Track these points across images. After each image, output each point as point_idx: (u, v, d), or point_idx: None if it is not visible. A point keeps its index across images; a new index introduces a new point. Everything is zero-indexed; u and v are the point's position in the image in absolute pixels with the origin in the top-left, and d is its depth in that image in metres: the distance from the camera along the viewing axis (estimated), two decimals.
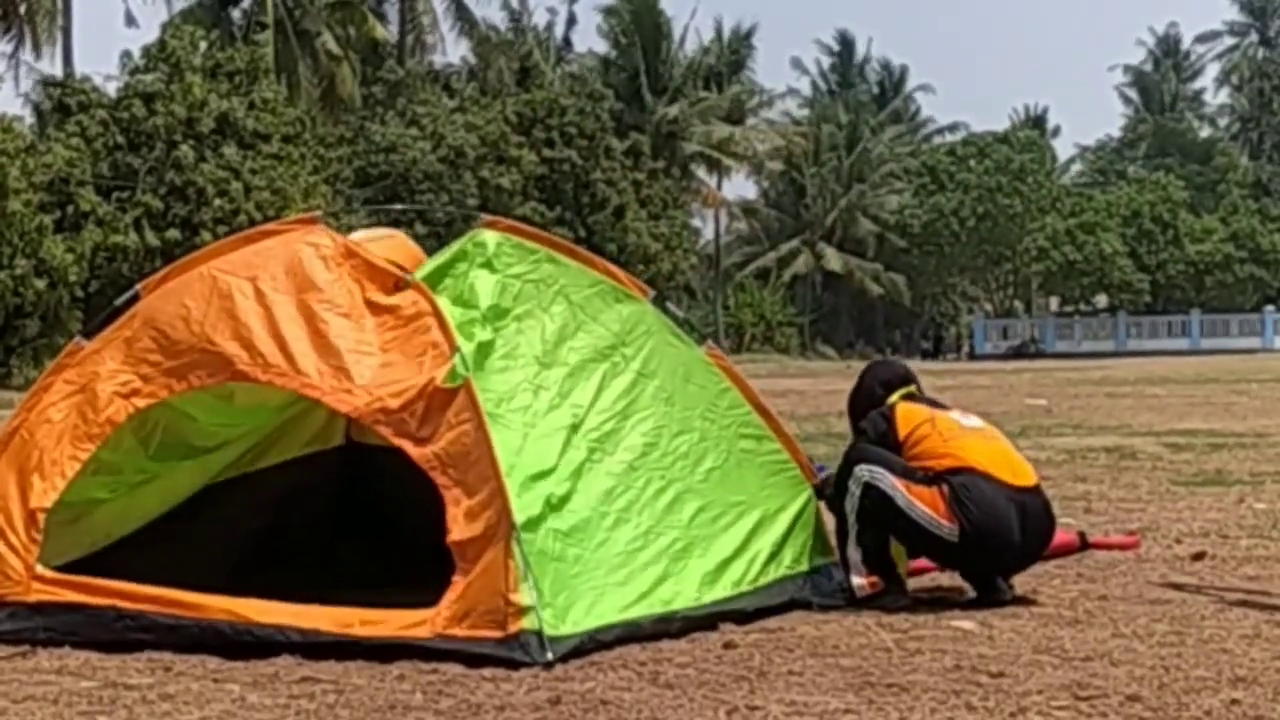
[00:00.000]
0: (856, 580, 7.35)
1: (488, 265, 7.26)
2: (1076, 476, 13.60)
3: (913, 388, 7.77)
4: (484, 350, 6.84)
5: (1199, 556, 8.78)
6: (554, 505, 6.51)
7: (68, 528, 7.15)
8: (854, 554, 7.36)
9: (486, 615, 6.19)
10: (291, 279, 7.03)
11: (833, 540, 7.61)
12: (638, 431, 7.14)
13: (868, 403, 7.75)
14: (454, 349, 6.67)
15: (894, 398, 7.66)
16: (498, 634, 6.14)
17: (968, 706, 5.43)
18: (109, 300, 8.20)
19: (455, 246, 7.41)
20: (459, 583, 6.30)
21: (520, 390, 6.82)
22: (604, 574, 6.53)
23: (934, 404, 7.74)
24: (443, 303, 6.91)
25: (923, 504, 7.23)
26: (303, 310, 6.93)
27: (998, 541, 7.29)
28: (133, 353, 7.05)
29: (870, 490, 7.29)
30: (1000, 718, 5.30)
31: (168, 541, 7.62)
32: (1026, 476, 7.49)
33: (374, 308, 6.98)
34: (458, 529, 6.37)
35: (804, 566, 7.44)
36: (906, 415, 7.53)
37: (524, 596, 6.16)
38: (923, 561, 8.13)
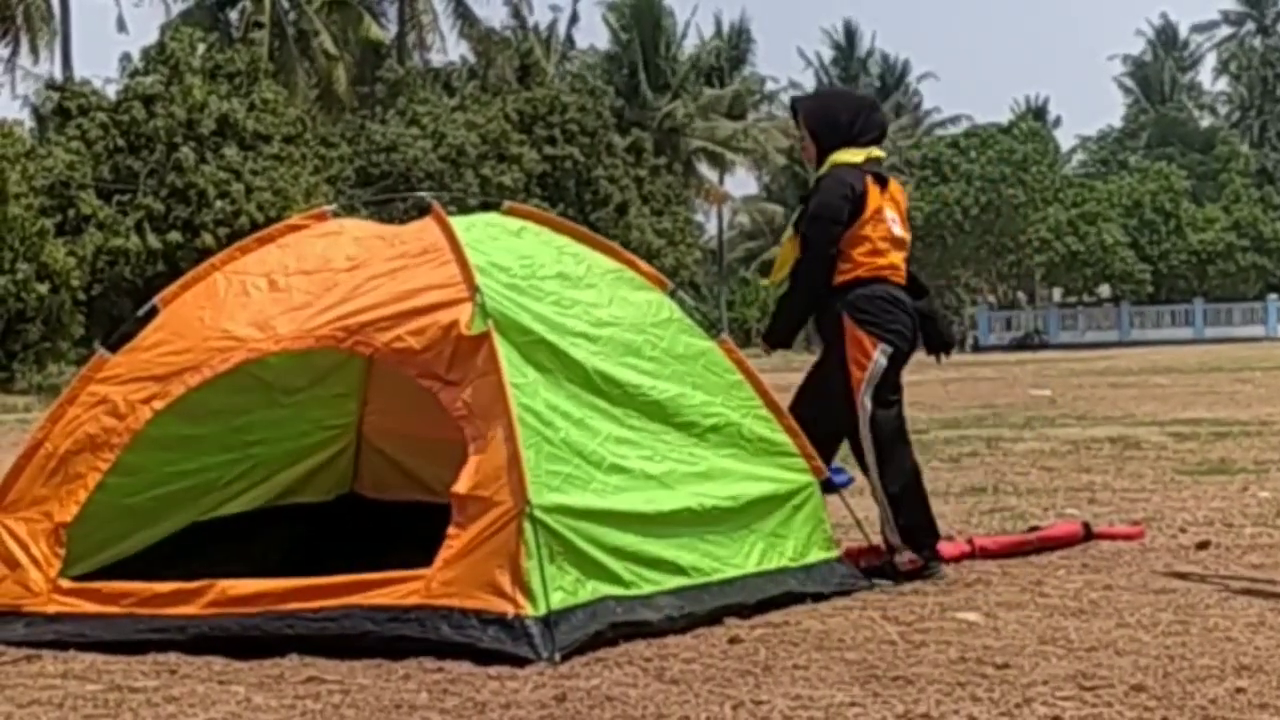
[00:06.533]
0: (899, 559, 7.68)
1: (518, 234, 7.37)
2: (1081, 467, 13.60)
3: (880, 153, 8.10)
4: (514, 290, 6.89)
5: (1203, 545, 8.77)
6: (592, 476, 6.55)
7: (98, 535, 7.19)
8: (893, 537, 7.74)
9: (488, 587, 6.18)
10: (304, 264, 7.15)
11: (835, 535, 7.67)
12: (669, 410, 7.18)
13: (833, 134, 8.03)
14: (474, 288, 6.69)
15: (859, 158, 7.94)
16: (496, 609, 6.13)
17: (973, 698, 5.43)
18: (112, 304, 8.26)
19: (482, 216, 7.52)
20: (454, 542, 6.29)
21: (555, 355, 6.84)
22: (632, 541, 6.57)
23: (881, 183, 8.03)
24: (464, 241, 6.97)
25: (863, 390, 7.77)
26: (316, 282, 7.02)
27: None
28: (151, 360, 7.10)
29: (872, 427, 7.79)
30: (1005, 709, 5.29)
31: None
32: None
33: (388, 243, 7.17)
34: (465, 482, 6.36)
35: (806, 559, 7.45)
36: (871, 199, 7.89)
37: (532, 579, 6.16)
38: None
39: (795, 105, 8.39)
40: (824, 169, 8.01)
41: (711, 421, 7.36)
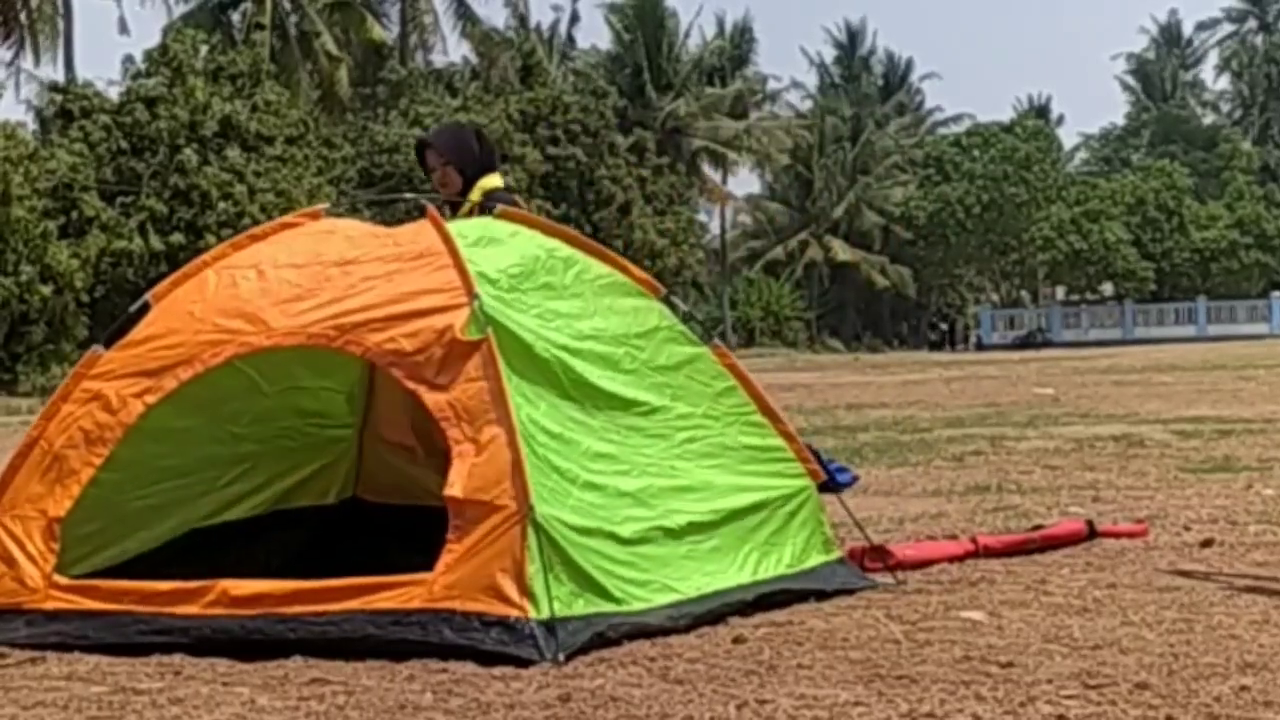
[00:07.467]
0: None
1: (511, 238, 7.36)
2: (1085, 465, 13.60)
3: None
4: (504, 301, 6.88)
5: (1207, 543, 8.78)
6: (569, 493, 6.53)
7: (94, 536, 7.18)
8: None
9: (491, 590, 6.18)
10: (294, 257, 7.17)
11: (835, 536, 7.65)
12: (646, 423, 7.15)
13: (473, 163, 8.17)
14: (472, 294, 6.69)
15: (500, 182, 8.15)
16: (499, 612, 6.13)
17: (977, 697, 5.43)
18: (115, 305, 8.26)
19: (475, 221, 7.50)
20: (455, 546, 6.29)
21: (536, 367, 6.82)
22: (613, 563, 6.55)
23: None
24: (460, 245, 6.96)
25: None
26: (306, 275, 7.02)
27: None
28: (143, 355, 7.10)
29: None
30: (1010, 707, 5.29)
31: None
32: None
33: (382, 243, 7.16)
34: (460, 486, 6.36)
35: (805, 564, 7.44)
36: None
37: (535, 583, 6.16)
38: (929, 553, 8.17)
39: (425, 143, 8.54)
40: (477, 194, 8.05)
41: (691, 433, 7.32)
